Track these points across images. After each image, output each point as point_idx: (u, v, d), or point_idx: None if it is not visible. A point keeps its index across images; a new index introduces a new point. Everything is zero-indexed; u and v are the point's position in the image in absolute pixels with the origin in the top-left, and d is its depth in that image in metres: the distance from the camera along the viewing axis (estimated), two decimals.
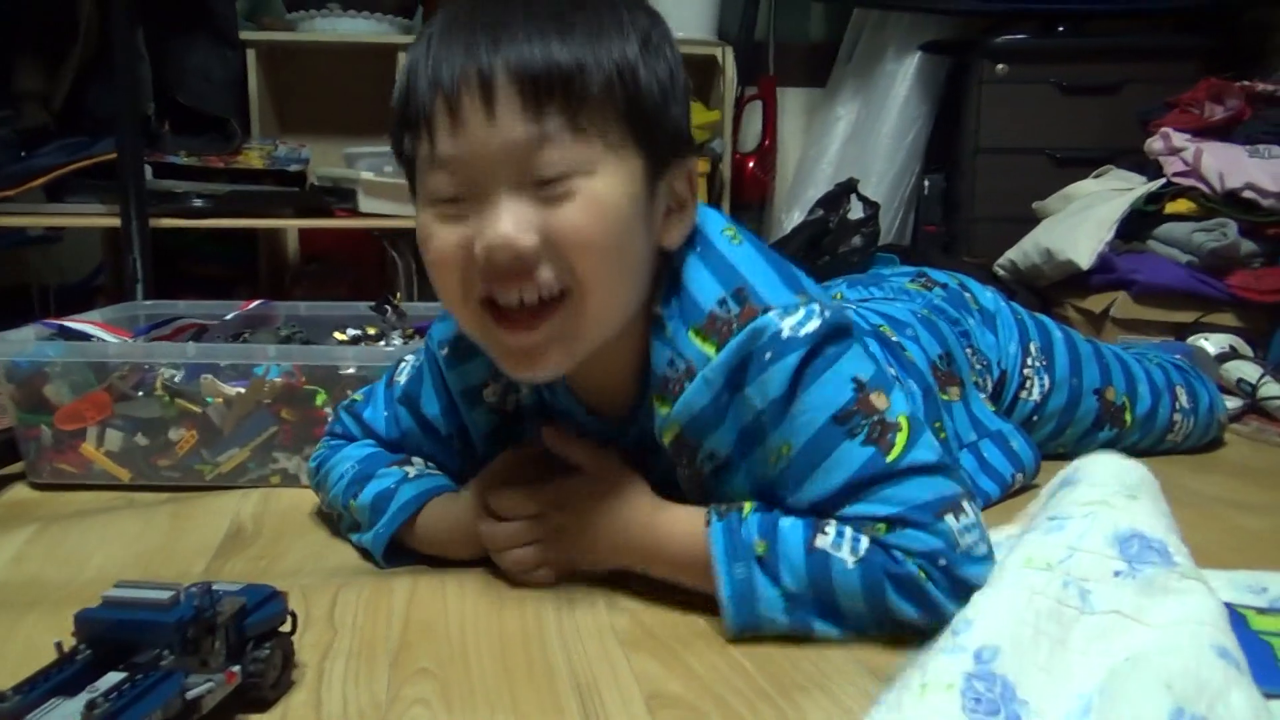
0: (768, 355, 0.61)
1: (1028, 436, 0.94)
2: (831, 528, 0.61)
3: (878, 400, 0.62)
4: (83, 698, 0.45)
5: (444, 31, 0.59)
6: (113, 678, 0.47)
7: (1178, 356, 1.16)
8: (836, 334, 0.62)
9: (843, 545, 0.60)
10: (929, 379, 0.86)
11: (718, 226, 0.68)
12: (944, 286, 1.02)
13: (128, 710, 0.44)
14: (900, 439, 0.61)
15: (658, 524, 0.66)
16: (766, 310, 0.62)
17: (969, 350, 0.95)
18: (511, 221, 0.57)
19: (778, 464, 0.63)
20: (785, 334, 0.61)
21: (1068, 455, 1.03)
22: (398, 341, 1.12)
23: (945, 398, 0.88)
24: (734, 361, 0.62)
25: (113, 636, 0.49)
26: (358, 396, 0.84)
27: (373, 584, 0.70)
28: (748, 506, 0.64)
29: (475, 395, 0.76)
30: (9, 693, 0.45)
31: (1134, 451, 1.04)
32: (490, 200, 0.58)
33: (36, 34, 1.61)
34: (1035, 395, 1.00)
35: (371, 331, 1.14)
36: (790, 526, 0.62)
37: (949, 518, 0.59)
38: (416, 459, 0.79)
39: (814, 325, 0.61)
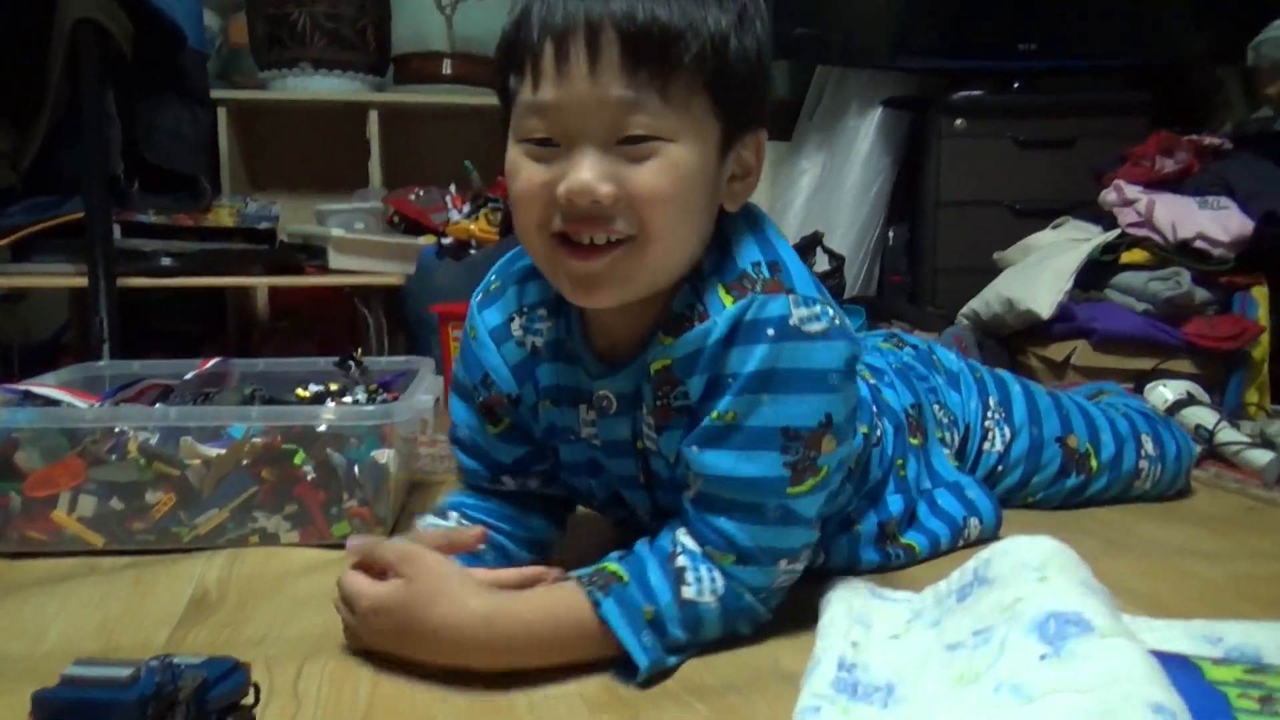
0: (769, 331, 0.65)
1: (986, 489, 0.96)
2: (689, 570, 0.67)
3: (826, 444, 0.68)
4: None
5: None
6: None
7: (1148, 405, 1.19)
8: (845, 366, 0.68)
9: (704, 589, 0.67)
10: (901, 419, 0.92)
11: (771, 225, 0.73)
12: (914, 348, 1.07)
13: None
14: (810, 483, 0.68)
15: (513, 614, 0.65)
16: (790, 292, 0.66)
17: (937, 406, 0.99)
18: (594, 172, 0.62)
19: (715, 421, 0.67)
20: (792, 321, 0.66)
21: (1039, 505, 1.06)
22: (361, 397, 1.12)
23: (912, 441, 0.92)
24: (739, 315, 0.66)
25: (71, 717, 0.48)
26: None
27: (339, 655, 0.69)
28: (614, 569, 0.67)
29: (504, 331, 0.78)
30: None
31: (1103, 500, 1.08)
32: (578, 149, 0.62)
33: (6, 95, 1.62)
34: (998, 446, 1.03)
35: (334, 387, 1.15)
36: (657, 581, 0.66)
37: (783, 562, 0.69)
38: (453, 512, 0.82)
39: (819, 327, 0.66)
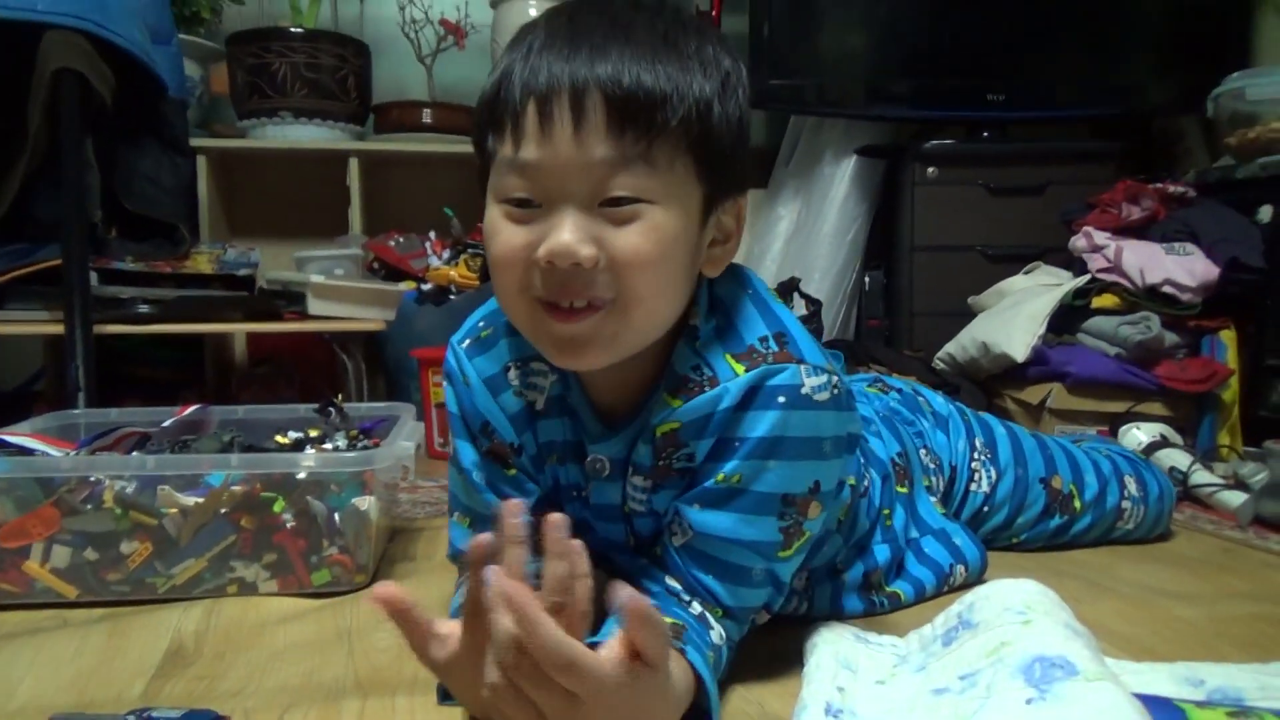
0: (780, 399, 0.66)
1: (972, 535, 0.97)
2: (706, 615, 0.68)
3: (813, 510, 0.70)
4: None
5: (546, 41, 0.63)
6: None
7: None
8: (846, 439, 0.70)
9: (719, 635, 0.68)
10: (889, 469, 0.92)
11: (763, 286, 0.74)
12: (899, 391, 1.08)
13: None
14: (795, 545, 0.70)
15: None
16: (800, 361, 0.68)
17: (923, 450, 1.00)
18: (575, 235, 0.61)
19: (720, 484, 0.68)
20: (804, 390, 0.67)
21: (1023, 545, 1.07)
22: (342, 443, 1.11)
23: (900, 490, 0.93)
24: (754, 383, 0.67)
25: None
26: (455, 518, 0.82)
27: (320, 705, 0.68)
28: (667, 620, 0.65)
29: (500, 381, 0.76)
30: None
31: (1086, 540, 1.09)
32: (560, 209, 0.62)
33: None
34: (984, 486, 1.04)
35: (314, 434, 1.14)
36: (698, 626, 0.67)
37: (761, 615, 0.74)
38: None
39: (826, 395, 0.67)
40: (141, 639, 0.83)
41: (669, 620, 0.65)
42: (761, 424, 0.66)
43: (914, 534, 0.93)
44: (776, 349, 0.68)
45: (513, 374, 0.76)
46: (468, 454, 0.78)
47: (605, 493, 0.76)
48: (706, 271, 0.70)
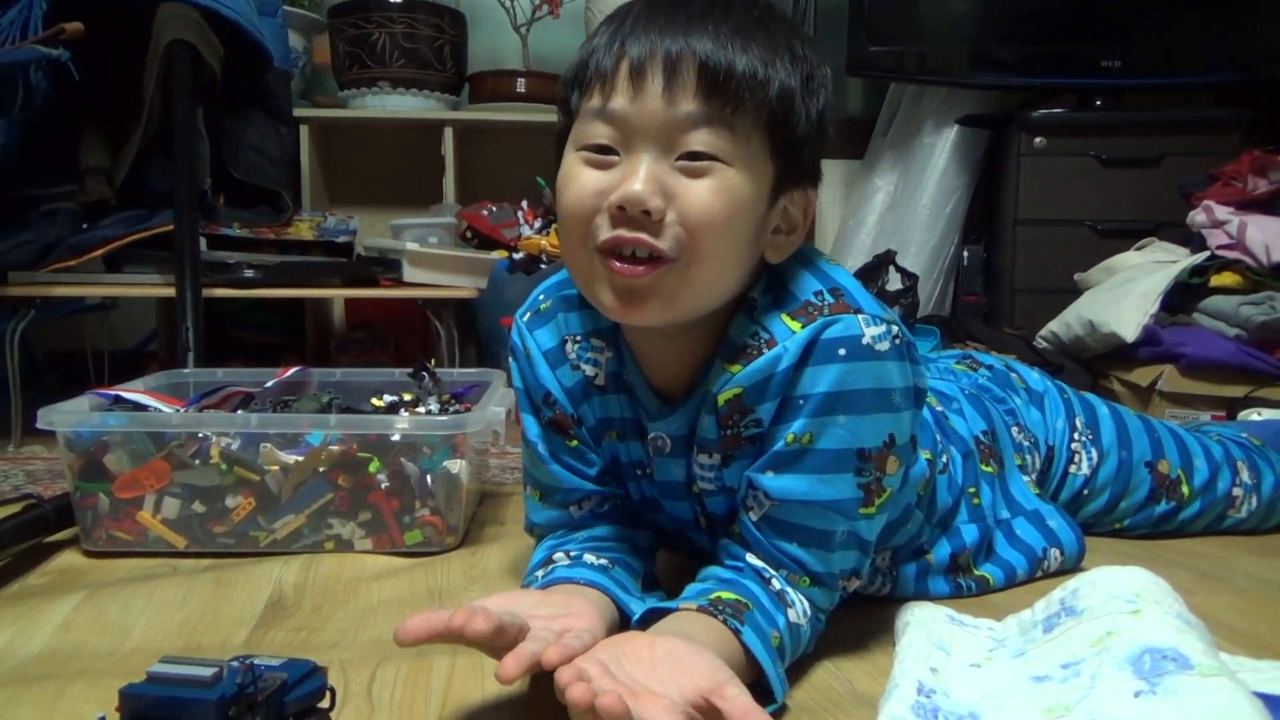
0: (841, 351, 0.65)
1: (1069, 519, 0.93)
2: (787, 594, 0.67)
3: (890, 465, 0.68)
4: None
5: (646, 11, 0.65)
6: None
7: (1244, 435, 1.14)
8: (914, 391, 0.68)
9: (799, 612, 0.67)
10: (970, 446, 0.89)
11: (816, 252, 0.74)
12: (989, 368, 1.04)
13: None
14: (878, 502, 0.68)
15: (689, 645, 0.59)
16: (858, 311, 0.66)
17: (1015, 428, 0.96)
18: (649, 184, 0.62)
19: (789, 445, 0.66)
20: (865, 340, 0.65)
21: (1126, 531, 1.02)
22: (434, 407, 1.13)
23: (986, 469, 0.89)
24: (811, 337, 0.65)
25: (156, 713, 0.49)
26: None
27: (412, 660, 0.70)
28: (733, 596, 0.65)
29: (558, 354, 0.77)
30: None
31: (1195, 529, 1.04)
32: (637, 157, 0.63)
33: (103, 114, 1.69)
34: (1084, 469, 1.00)
35: (408, 397, 1.16)
36: (771, 606, 0.66)
37: (851, 580, 0.71)
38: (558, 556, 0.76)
39: (887, 345, 0.66)
40: (244, 590, 0.87)
41: (732, 596, 0.64)
42: (824, 379, 0.65)
43: (1005, 514, 0.90)
44: (832, 300, 0.67)
45: (570, 347, 0.77)
46: (532, 427, 0.79)
47: (669, 469, 0.75)
48: (769, 257, 0.69)
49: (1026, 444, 0.96)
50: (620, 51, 0.64)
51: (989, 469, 0.90)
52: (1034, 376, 1.04)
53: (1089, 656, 0.58)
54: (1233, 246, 1.64)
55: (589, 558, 0.74)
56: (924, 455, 0.79)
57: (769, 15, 0.66)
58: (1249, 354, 1.55)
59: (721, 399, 0.69)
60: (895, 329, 0.67)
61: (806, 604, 0.68)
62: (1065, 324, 1.78)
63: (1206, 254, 1.68)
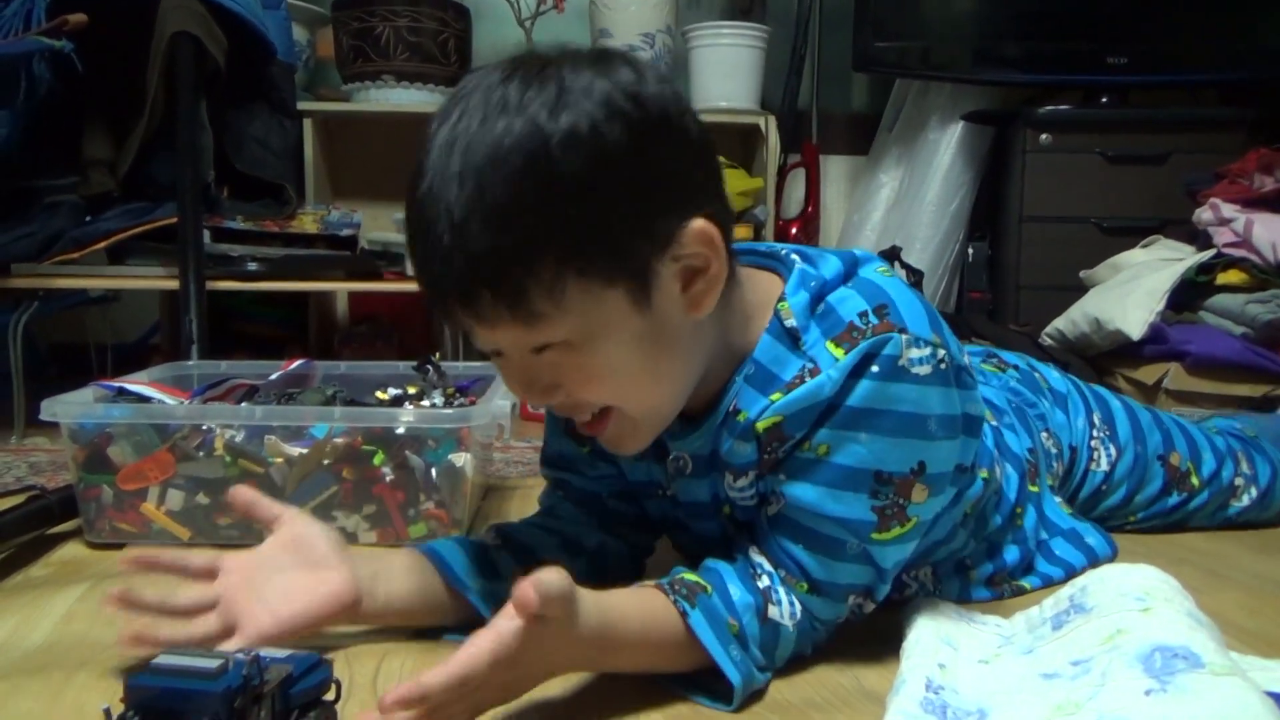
0: (874, 368, 0.63)
1: (1103, 532, 0.92)
2: (773, 591, 0.66)
3: (917, 493, 0.65)
4: None
5: (415, 255, 0.60)
6: None
7: (1238, 426, 1.14)
8: (962, 419, 0.67)
9: (783, 612, 0.65)
10: (1024, 465, 0.87)
11: (873, 266, 0.70)
12: (1015, 368, 1.02)
13: None
14: (896, 531, 0.66)
15: (606, 612, 0.59)
16: (902, 330, 0.64)
17: (1044, 434, 0.95)
18: (530, 387, 0.63)
19: (805, 453, 0.65)
20: (901, 361, 0.63)
21: (1136, 527, 1.02)
22: (439, 400, 1.13)
23: (1032, 489, 0.89)
24: (854, 362, 0.63)
25: (161, 704, 0.49)
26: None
27: (418, 651, 0.70)
28: (694, 578, 0.65)
29: None
30: None
31: (1198, 520, 1.03)
32: (510, 361, 0.63)
33: (106, 106, 1.69)
34: (1104, 465, 0.99)
35: (413, 390, 1.16)
36: (740, 597, 0.65)
37: (853, 597, 0.68)
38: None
39: (927, 369, 0.64)
40: None
41: (694, 578, 0.65)
42: (852, 394, 0.63)
43: (1043, 535, 0.88)
44: (876, 321, 0.64)
45: None
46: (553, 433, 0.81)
47: (692, 490, 0.74)
48: (697, 315, 0.63)
49: (1054, 450, 0.95)
50: (421, 283, 0.61)
51: (1034, 489, 0.89)
52: (1055, 376, 1.03)
53: (1099, 654, 0.58)
54: (1239, 244, 1.64)
55: (490, 537, 0.77)
56: (981, 474, 0.77)
57: (547, 103, 0.57)
58: (1255, 352, 1.55)
59: (760, 426, 0.66)
60: (941, 352, 0.64)
61: (798, 606, 0.66)
62: (1071, 321, 1.78)
63: (1213, 252, 1.68)
